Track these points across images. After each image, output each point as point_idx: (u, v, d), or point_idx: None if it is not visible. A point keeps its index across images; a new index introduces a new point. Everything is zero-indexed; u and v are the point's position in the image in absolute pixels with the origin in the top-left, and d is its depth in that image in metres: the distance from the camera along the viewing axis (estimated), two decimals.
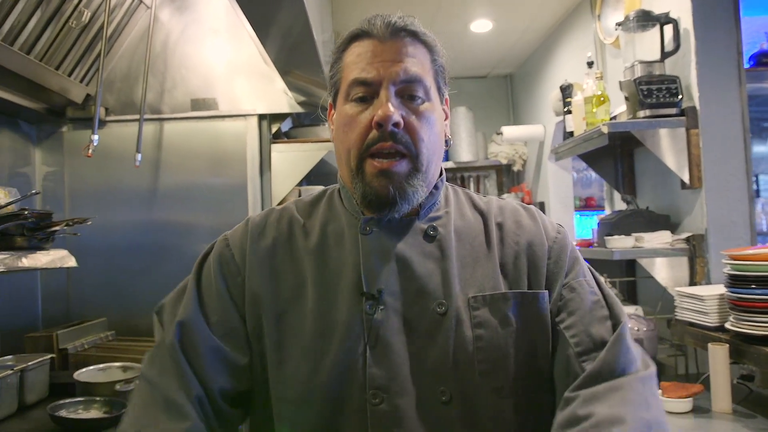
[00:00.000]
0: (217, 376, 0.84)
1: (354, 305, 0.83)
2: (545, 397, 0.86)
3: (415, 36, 0.90)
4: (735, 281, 1.72)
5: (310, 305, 0.85)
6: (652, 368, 0.85)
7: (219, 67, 2.58)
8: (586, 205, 4.32)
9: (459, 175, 4.52)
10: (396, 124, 0.84)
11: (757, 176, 5.73)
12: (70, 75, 2.31)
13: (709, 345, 1.76)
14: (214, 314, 0.87)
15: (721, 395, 1.75)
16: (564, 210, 3.85)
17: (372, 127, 0.85)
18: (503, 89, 4.71)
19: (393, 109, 0.84)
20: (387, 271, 0.85)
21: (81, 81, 2.40)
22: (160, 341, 0.88)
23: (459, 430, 0.80)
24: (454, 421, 0.80)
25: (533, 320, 0.86)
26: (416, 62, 0.88)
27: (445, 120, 0.96)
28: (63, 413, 1.65)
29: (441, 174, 0.96)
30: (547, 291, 0.89)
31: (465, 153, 4.27)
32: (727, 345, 1.73)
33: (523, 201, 4.16)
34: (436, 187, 0.94)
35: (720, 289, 1.85)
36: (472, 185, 4.54)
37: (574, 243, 2.61)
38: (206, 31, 2.59)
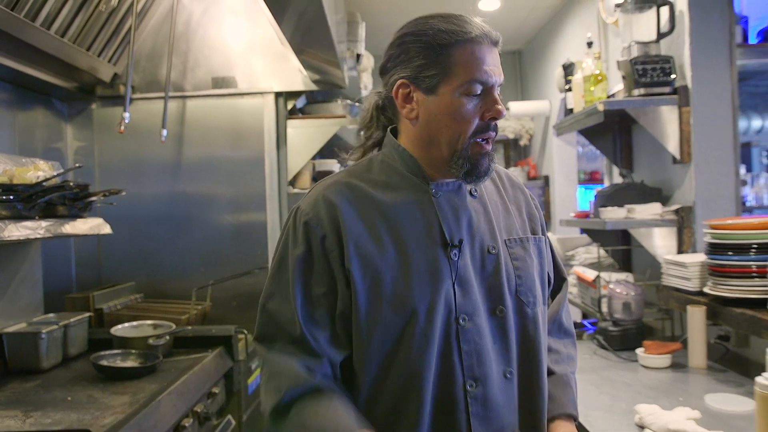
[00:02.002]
0: (331, 349, 1.05)
1: (442, 253, 1.05)
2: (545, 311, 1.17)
3: (498, 45, 1.09)
4: (714, 249, 1.87)
5: (412, 256, 1.04)
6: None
7: (238, 47, 2.73)
8: (591, 179, 4.44)
9: None
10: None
11: None
12: (99, 55, 2.47)
13: (688, 307, 1.92)
14: (325, 285, 1.05)
15: (697, 353, 1.91)
16: (568, 183, 3.98)
17: (481, 118, 1.04)
18: (512, 65, 4.80)
19: (502, 107, 1.05)
20: (459, 226, 1.07)
21: (109, 61, 2.56)
22: (279, 324, 1.06)
23: (507, 334, 1.07)
24: (505, 329, 1.07)
25: (542, 256, 1.17)
26: (502, 68, 1.09)
27: None
28: (104, 362, 1.86)
29: None
30: (543, 236, 1.20)
31: None
32: (705, 307, 1.89)
33: (528, 175, 4.29)
34: None
35: (702, 257, 1.99)
36: None
37: (572, 215, 2.76)
38: (226, 12, 2.73)
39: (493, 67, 1.05)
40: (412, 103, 1.08)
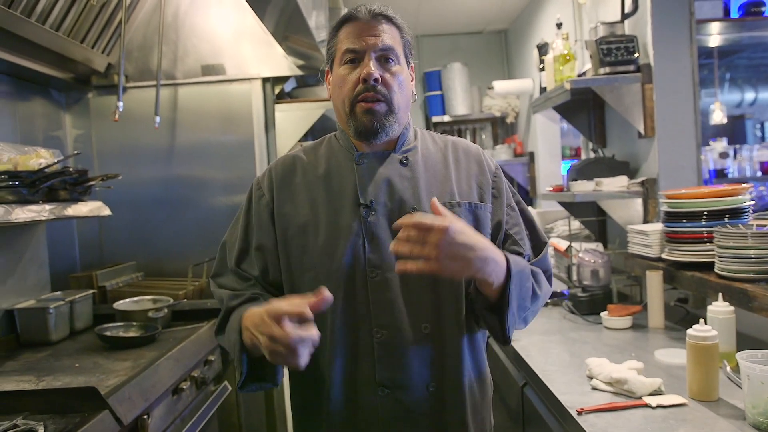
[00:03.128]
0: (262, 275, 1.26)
1: (355, 213, 1.18)
2: None
3: (388, 19, 1.23)
4: (670, 217, 2.01)
5: (324, 216, 1.20)
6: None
7: (225, 35, 2.84)
8: (576, 155, 4.55)
9: (456, 128, 4.76)
10: (375, 80, 1.17)
11: (762, 123, 5.84)
12: (93, 47, 2.59)
13: (647, 272, 2.07)
14: (258, 238, 1.26)
15: (656, 314, 2.07)
16: (551, 159, 4.11)
17: (359, 82, 1.17)
18: (498, 44, 4.89)
19: (374, 69, 1.17)
20: (376, 189, 1.20)
21: (102, 52, 2.68)
22: (226, 263, 1.29)
23: (427, 291, 1.17)
24: (424, 286, 1.17)
25: (476, 222, 1.24)
26: (389, 37, 1.21)
27: (411, 81, 1.31)
28: (108, 333, 2.02)
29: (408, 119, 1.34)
30: (490, 204, 1.27)
31: (460, 107, 4.51)
32: (662, 271, 2.03)
33: (515, 152, 4.41)
34: (405, 128, 1.28)
35: (661, 225, 2.13)
36: (468, 137, 4.79)
37: (548, 189, 2.89)
38: (212, 1, 2.85)
39: (368, 36, 1.19)
40: (328, 83, 1.29)
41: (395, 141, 1.26)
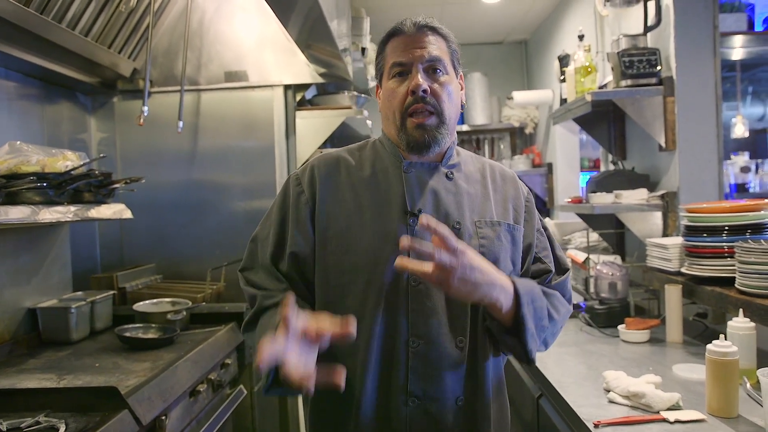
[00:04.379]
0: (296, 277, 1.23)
1: (401, 220, 1.18)
2: None
3: (434, 30, 1.24)
4: (690, 231, 1.99)
5: (369, 219, 1.19)
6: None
7: (249, 42, 2.88)
8: (595, 166, 4.53)
9: (474, 138, 4.77)
10: (424, 91, 1.18)
11: None
12: (119, 52, 2.65)
13: (666, 285, 2.05)
14: (294, 238, 1.23)
15: (674, 328, 2.05)
16: (570, 170, 4.09)
17: (408, 94, 1.18)
18: (518, 55, 4.90)
19: (422, 81, 1.18)
20: (423, 199, 1.21)
21: (129, 57, 2.74)
22: (259, 261, 1.27)
23: (462, 304, 1.16)
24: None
25: (513, 242, 1.26)
26: (436, 47, 1.22)
27: (461, 90, 1.31)
28: (128, 334, 2.05)
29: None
30: (522, 227, 1.30)
31: (479, 116, 4.51)
32: (681, 285, 2.02)
33: (533, 162, 4.41)
34: (453, 141, 1.30)
35: (681, 239, 2.12)
36: (486, 147, 4.80)
37: (566, 200, 2.88)
38: (236, 9, 2.89)
39: (415, 48, 1.20)
40: (378, 97, 1.31)
41: (443, 153, 1.27)
